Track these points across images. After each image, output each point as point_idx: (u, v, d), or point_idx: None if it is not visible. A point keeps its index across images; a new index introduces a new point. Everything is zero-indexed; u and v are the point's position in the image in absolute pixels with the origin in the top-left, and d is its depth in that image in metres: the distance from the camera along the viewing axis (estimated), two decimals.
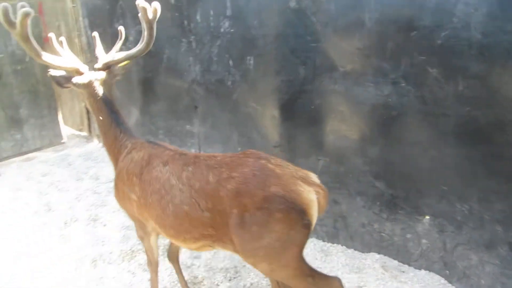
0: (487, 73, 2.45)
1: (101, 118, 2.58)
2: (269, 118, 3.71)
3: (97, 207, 4.33)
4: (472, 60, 2.47)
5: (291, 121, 3.56)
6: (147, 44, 2.50)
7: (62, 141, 6.19)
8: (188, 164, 2.16)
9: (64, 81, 2.51)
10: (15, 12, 2.07)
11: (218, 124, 4.23)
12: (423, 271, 3.06)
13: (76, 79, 2.49)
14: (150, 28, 2.44)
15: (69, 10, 5.47)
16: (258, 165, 1.97)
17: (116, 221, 4.02)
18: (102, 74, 2.58)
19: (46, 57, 2.31)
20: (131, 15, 4.58)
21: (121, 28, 2.94)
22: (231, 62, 3.82)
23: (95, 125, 6.09)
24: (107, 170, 5.19)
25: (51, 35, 2.63)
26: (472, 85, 2.51)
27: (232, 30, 3.68)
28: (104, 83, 2.58)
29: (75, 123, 6.57)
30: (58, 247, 3.64)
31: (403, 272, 3.10)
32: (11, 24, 2.09)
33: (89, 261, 3.42)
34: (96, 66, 2.62)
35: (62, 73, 2.50)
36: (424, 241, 3.02)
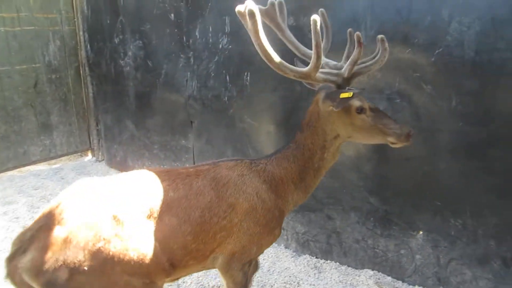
0: (479, 90, 2.52)
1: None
2: (264, 134, 3.74)
3: None
4: (465, 77, 2.54)
5: (287, 137, 3.58)
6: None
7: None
8: None
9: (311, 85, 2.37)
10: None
11: (213, 139, 4.25)
12: (417, 287, 3.05)
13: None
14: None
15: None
16: None
17: None
18: (318, 96, 2.22)
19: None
20: (131, 30, 4.66)
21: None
22: (228, 78, 3.88)
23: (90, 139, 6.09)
24: None
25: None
26: (465, 101, 2.58)
27: (230, 47, 3.76)
28: (315, 104, 2.25)
29: None
30: None
31: None
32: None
33: None
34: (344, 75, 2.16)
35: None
36: (418, 256, 3.02)
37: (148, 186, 2.05)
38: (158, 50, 4.50)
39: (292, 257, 3.64)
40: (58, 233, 1.74)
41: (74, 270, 1.70)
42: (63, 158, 6.06)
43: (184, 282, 3.25)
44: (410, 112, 2.83)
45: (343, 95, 2.03)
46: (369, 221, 3.22)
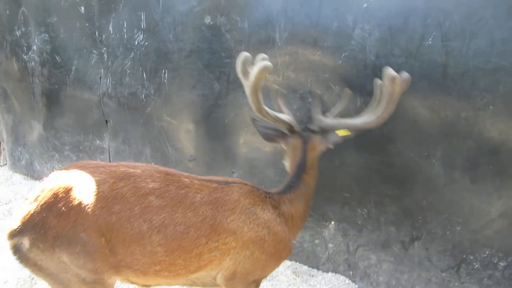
0: None
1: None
2: (183, 132, 3.72)
3: None
4: (367, 79, 2.77)
5: (206, 134, 3.61)
6: (381, 118, 2.33)
7: None
8: None
9: (273, 134, 2.49)
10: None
11: (130, 138, 4.12)
12: (330, 274, 3.28)
13: (287, 138, 2.46)
14: (390, 102, 2.25)
15: None
16: None
17: None
18: (315, 139, 2.45)
19: (267, 111, 2.27)
20: (35, 22, 4.31)
21: (348, 90, 2.67)
22: (145, 75, 3.79)
23: None
24: (3, 191, 4.71)
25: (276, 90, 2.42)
26: (368, 101, 2.81)
27: (146, 43, 3.67)
28: (313, 147, 2.44)
29: None
30: None
31: (313, 276, 3.29)
32: (245, 73, 2.21)
33: None
34: (311, 127, 2.48)
35: (272, 125, 2.44)
36: (330, 245, 3.25)
37: (131, 181, 1.95)
38: (67, 45, 4.23)
39: None
40: (30, 208, 1.90)
41: (33, 243, 1.86)
42: None
43: None
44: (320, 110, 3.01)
45: (341, 133, 2.42)
46: None
